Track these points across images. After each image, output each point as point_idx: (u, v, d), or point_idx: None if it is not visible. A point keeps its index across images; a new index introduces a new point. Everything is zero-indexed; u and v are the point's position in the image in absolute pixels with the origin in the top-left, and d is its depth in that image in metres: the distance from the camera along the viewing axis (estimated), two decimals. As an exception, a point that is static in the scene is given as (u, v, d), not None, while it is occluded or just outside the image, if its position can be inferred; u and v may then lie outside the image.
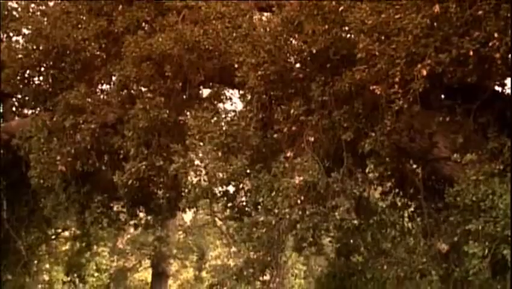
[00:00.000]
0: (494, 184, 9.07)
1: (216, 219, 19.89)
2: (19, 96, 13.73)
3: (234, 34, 11.15)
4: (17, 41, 13.74)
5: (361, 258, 13.58)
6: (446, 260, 10.49)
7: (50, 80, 12.39)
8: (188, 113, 12.00)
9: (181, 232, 23.23)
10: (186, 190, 12.02)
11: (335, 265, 16.83)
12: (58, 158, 11.45)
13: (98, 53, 12.35)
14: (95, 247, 17.40)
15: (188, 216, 23.66)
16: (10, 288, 14.90)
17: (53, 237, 17.04)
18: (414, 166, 11.94)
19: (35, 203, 13.29)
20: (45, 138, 11.59)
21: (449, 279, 10.34)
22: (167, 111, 11.51)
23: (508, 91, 10.62)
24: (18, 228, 14.03)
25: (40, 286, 19.66)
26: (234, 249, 20.98)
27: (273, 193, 10.57)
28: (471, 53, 8.67)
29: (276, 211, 10.70)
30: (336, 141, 10.70)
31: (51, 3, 13.03)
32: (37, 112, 12.75)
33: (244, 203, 12.68)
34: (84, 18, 12.17)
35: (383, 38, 9.19)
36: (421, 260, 10.57)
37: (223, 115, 12.12)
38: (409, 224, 12.75)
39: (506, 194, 8.91)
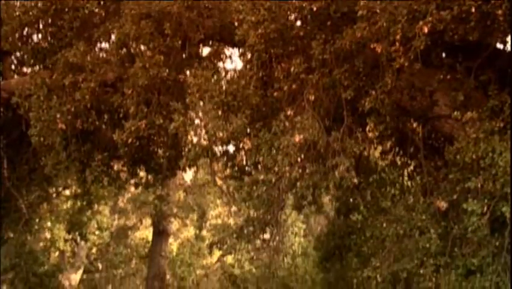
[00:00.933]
0: (494, 142, 9.08)
1: (216, 178, 19.97)
2: (18, 54, 13.66)
3: (234, -9, 11.04)
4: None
5: (361, 216, 13.64)
6: (445, 217, 10.55)
7: (49, 38, 12.30)
8: (187, 72, 11.94)
9: (181, 191, 23.32)
10: (186, 149, 12.06)
11: (334, 224, 16.96)
12: (58, 116, 11.42)
13: (97, 10, 12.24)
14: (96, 205, 17.49)
15: (188, 175, 23.76)
16: (12, 246, 15.03)
17: (54, 195, 17.11)
18: (414, 125, 11.95)
19: (36, 162, 13.30)
20: (45, 96, 11.53)
21: (447, 236, 10.40)
22: (167, 70, 11.45)
23: (509, 48, 10.57)
24: (19, 186, 14.06)
25: (41, 244, 19.82)
26: (234, 208, 21.12)
27: (273, 152, 10.58)
28: (473, 10, 8.60)
29: (276, 169, 10.72)
30: (336, 100, 10.69)
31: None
32: (36, 70, 12.69)
33: (244, 162, 12.72)
34: (82, -26, 12.03)
35: (384, -5, 9.13)
36: (420, 218, 10.62)
37: (223, 74, 12.09)
38: (409, 183, 12.81)
39: (506, 152, 8.94)
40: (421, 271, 10.66)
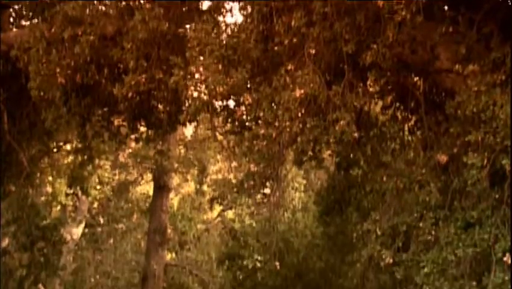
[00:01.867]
0: (495, 94, 9.06)
1: (216, 133, 19.95)
2: (16, 7, 13.53)
3: None
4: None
5: (361, 171, 13.70)
6: (445, 171, 10.59)
7: (47, -10, 12.18)
8: (187, 25, 11.85)
9: (181, 146, 23.36)
10: (186, 104, 12.04)
11: (334, 178, 17.05)
12: (58, 70, 11.36)
13: (95, -38, 12.10)
14: (97, 160, 17.53)
15: (188, 131, 23.77)
16: (14, 199, 15.12)
17: (55, 150, 17.15)
18: (415, 79, 11.91)
19: (36, 116, 13.27)
20: (44, 49, 11.45)
21: (447, 189, 10.47)
22: (167, 23, 11.35)
23: (512, 0, 10.47)
24: (19, 140, 14.06)
25: (43, 198, 19.94)
26: (234, 163, 21.16)
27: (274, 106, 10.58)
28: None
29: (276, 124, 10.73)
30: (337, 54, 10.62)
31: None
32: (34, 23, 12.58)
33: (244, 117, 12.71)
34: None
35: None
36: (420, 171, 10.67)
37: (223, 28, 11.98)
38: (409, 137, 12.81)
39: (507, 105, 8.93)
40: (421, 225, 10.75)
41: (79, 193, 21.02)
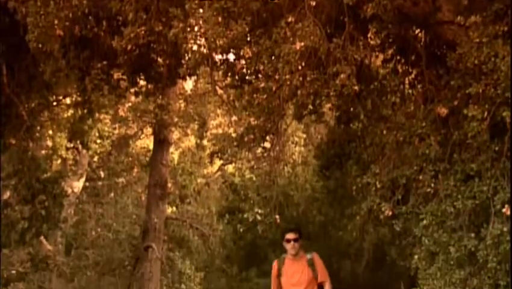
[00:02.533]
0: (497, 46, 9.00)
1: (216, 87, 19.90)
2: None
3: None
4: None
5: (361, 125, 13.70)
6: (445, 124, 10.60)
7: None
8: (187, -23, 11.70)
9: (181, 101, 23.30)
10: (186, 57, 11.97)
11: (334, 132, 17.02)
12: (56, 22, 11.24)
13: None
14: (96, 114, 17.50)
15: (188, 85, 23.69)
16: (14, 152, 15.15)
17: (54, 104, 17.11)
18: (417, 31, 11.82)
19: (35, 69, 13.21)
20: (42, 1, 11.32)
21: (447, 142, 10.49)
22: (165, -26, 11.23)
23: None
24: (19, 93, 14.02)
25: (43, 151, 19.96)
26: (234, 118, 21.13)
27: (274, 59, 10.52)
28: None
29: (276, 77, 10.69)
30: (338, 6, 10.53)
31: None
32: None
33: (244, 70, 12.65)
34: None
35: None
36: (420, 125, 10.67)
37: (223, -21, 11.85)
38: (410, 91, 12.78)
39: (509, 56, 8.88)
40: (420, 177, 10.80)
41: (80, 147, 21.04)
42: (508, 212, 9.35)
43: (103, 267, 24.01)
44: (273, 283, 8.68)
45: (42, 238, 19.75)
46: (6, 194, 16.40)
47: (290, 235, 8.51)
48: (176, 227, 23.92)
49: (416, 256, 11.08)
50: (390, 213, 11.25)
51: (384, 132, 11.78)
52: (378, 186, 11.42)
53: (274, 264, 8.69)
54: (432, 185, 10.59)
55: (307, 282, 8.41)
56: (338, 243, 22.10)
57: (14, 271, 21.52)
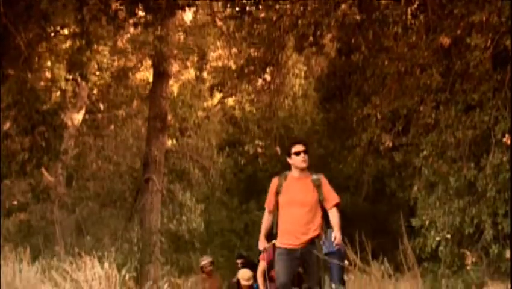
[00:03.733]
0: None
1: (216, 19, 19.66)
2: None
3: None
4: None
5: (362, 56, 13.57)
6: (447, 54, 10.50)
7: None
8: None
9: (181, 32, 22.99)
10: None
11: (335, 64, 16.91)
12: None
13: None
14: (95, 45, 17.27)
15: (188, 16, 23.34)
16: (13, 83, 15.02)
17: (52, 34, 16.88)
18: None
19: (32, -2, 13.01)
20: None
21: (449, 72, 10.41)
22: None
23: None
24: (16, 24, 13.80)
25: (42, 83, 19.80)
26: (234, 50, 20.94)
27: (274, -12, 10.35)
28: None
29: (277, 7, 10.54)
30: None
31: None
32: None
33: (244, 1, 12.47)
34: None
35: None
36: (422, 55, 10.58)
37: None
38: (412, 21, 12.60)
39: (514, -17, 8.73)
40: (421, 108, 10.77)
41: (79, 79, 20.86)
42: (509, 142, 9.36)
43: (104, 198, 24.18)
44: (269, 200, 7.59)
45: (43, 169, 19.81)
46: (6, 125, 16.36)
47: (299, 147, 7.25)
48: (177, 159, 23.97)
49: (416, 187, 11.15)
50: (390, 144, 11.26)
51: (385, 63, 11.69)
52: (379, 117, 11.40)
53: (275, 180, 7.58)
54: (433, 115, 10.57)
55: (311, 205, 7.19)
56: (338, 175, 22.19)
57: (15, 202, 21.69)
